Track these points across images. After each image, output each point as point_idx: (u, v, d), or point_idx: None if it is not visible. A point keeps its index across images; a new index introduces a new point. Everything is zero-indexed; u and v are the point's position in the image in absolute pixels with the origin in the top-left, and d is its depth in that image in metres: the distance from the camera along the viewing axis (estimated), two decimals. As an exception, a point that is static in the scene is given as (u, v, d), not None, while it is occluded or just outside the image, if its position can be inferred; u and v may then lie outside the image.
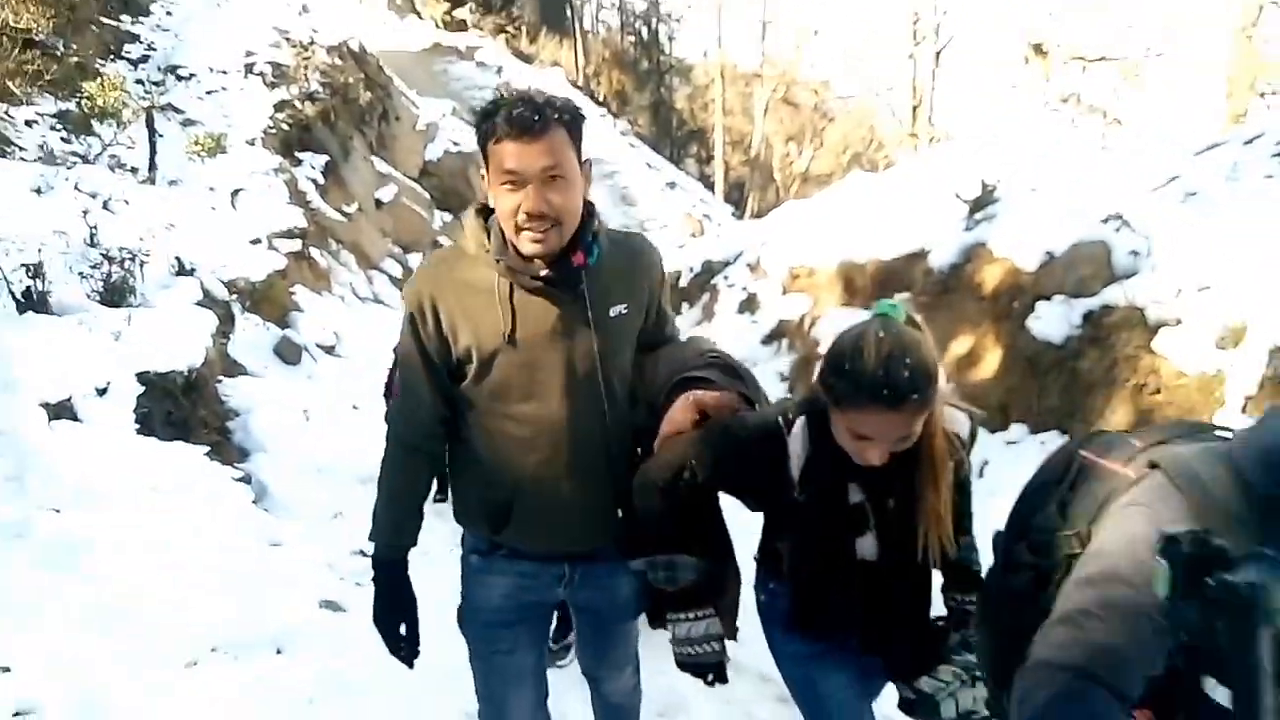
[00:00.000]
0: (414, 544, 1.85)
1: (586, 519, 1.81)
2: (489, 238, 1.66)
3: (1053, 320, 4.27)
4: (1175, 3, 15.11)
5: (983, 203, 5.73)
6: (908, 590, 1.78)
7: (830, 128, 24.14)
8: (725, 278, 8.58)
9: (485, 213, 1.69)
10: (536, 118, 1.55)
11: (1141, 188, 5.17)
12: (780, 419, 1.72)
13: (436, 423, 1.77)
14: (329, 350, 7.60)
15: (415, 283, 1.76)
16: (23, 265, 3.49)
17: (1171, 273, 3.88)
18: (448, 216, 17.05)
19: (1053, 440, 4.20)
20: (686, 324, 8.82)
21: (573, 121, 1.61)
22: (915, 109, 14.50)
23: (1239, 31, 12.97)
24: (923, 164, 8.18)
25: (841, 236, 7.26)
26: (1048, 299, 4.37)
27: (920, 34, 14.15)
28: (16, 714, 1.91)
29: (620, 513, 1.82)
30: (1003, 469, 4.30)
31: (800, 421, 1.69)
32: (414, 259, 14.24)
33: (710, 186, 24.73)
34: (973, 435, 1.78)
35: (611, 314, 1.74)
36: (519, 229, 1.59)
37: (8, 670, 2.01)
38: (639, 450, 1.84)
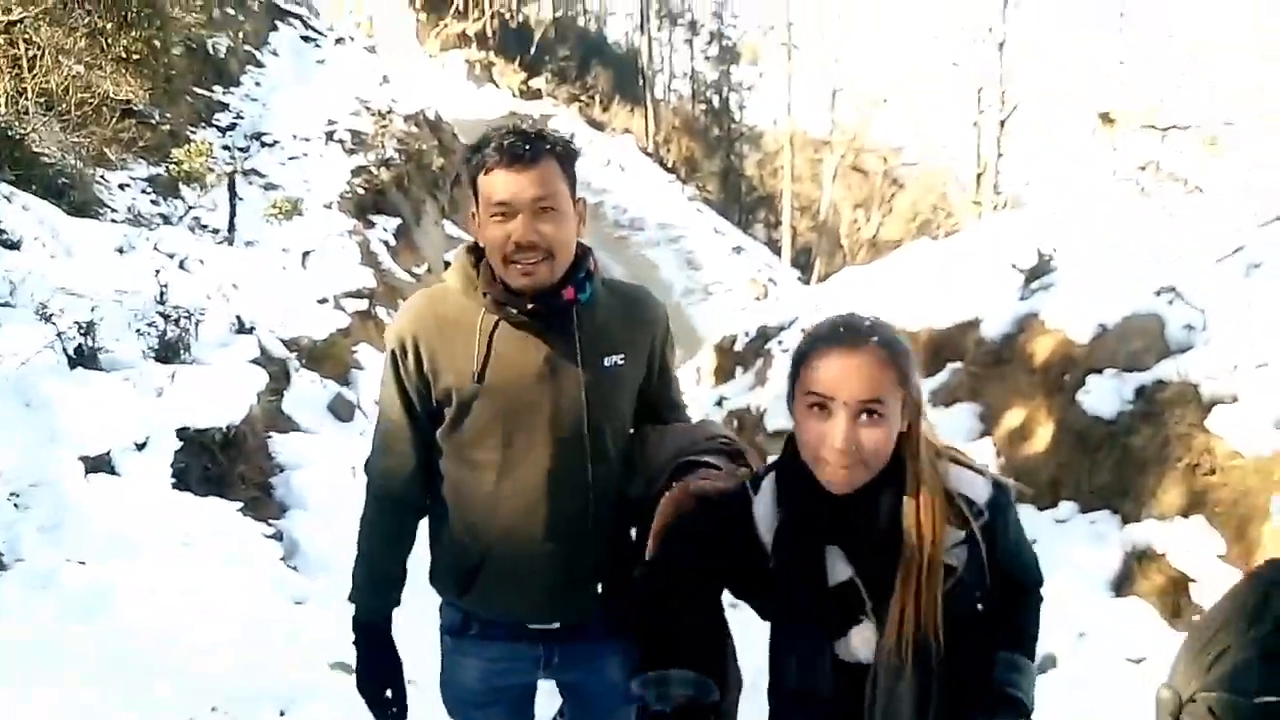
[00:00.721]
0: (397, 604, 1.75)
1: (564, 590, 1.65)
2: (478, 274, 1.58)
3: (1104, 394, 4.12)
4: (1251, 73, 14.75)
5: (1039, 272, 5.60)
6: (924, 708, 1.33)
7: (899, 195, 24.04)
8: (780, 342, 8.52)
9: (477, 252, 1.62)
10: (527, 147, 1.50)
11: (1204, 259, 5.00)
12: (747, 479, 1.49)
13: (418, 471, 1.65)
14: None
15: (398, 319, 1.65)
16: (75, 323, 3.66)
17: (1228, 348, 3.71)
18: (515, 278, 17.40)
19: (1103, 520, 4.02)
20: (739, 389, 8.76)
21: (565, 154, 1.57)
22: (979, 177, 14.34)
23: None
24: (983, 232, 8.06)
25: (897, 303, 7.15)
26: (1099, 372, 4.22)
27: (985, 101, 14.08)
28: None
29: (602, 587, 1.67)
30: (1052, 547, 4.12)
31: (769, 478, 1.44)
32: (480, 319, 14.51)
33: (778, 252, 24.76)
34: (998, 505, 1.41)
35: (605, 362, 1.63)
36: (508, 260, 1.52)
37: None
38: (631, 528, 1.69)
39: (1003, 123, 13.75)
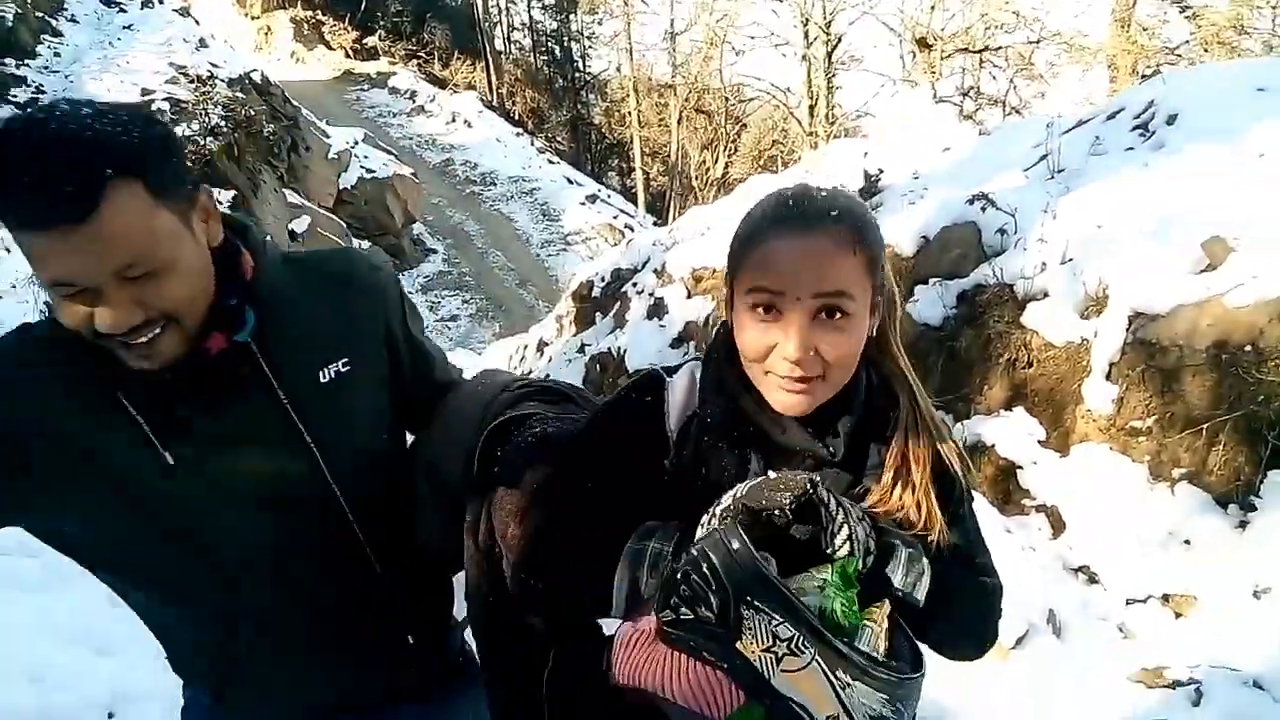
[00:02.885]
0: None
1: (345, 666, 1.34)
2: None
3: (930, 302, 4.33)
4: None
5: (867, 193, 5.81)
6: None
7: (744, 134, 24.42)
8: (634, 284, 8.57)
9: None
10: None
11: (1015, 169, 5.29)
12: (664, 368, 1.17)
13: None
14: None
15: None
16: None
17: (1037, 248, 3.95)
18: (365, 244, 16.85)
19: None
20: (599, 333, 8.78)
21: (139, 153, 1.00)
22: (811, 109, 14.76)
23: (1115, 18, 13.46)
24: (816, 162, 8.28)
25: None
26: (925, 282, 4.42)
27: (811, 35, 14.44)
28: None
29: (411, 641, 1.38)
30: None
31: (690, 367, 1.15)
32: (331, 290, 14.02)
33: (633, 199, 24.82)
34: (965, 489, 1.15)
35: (322, 378, 1.23)
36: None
37: None
38: (441, 555, 1.37)
39: (829, 54, 14.14)
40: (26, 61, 12.08)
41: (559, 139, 27.12)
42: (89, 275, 0.97)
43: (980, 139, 6.23)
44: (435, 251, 19.19)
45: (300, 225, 14.93)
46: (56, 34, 12.83)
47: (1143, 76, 14.48)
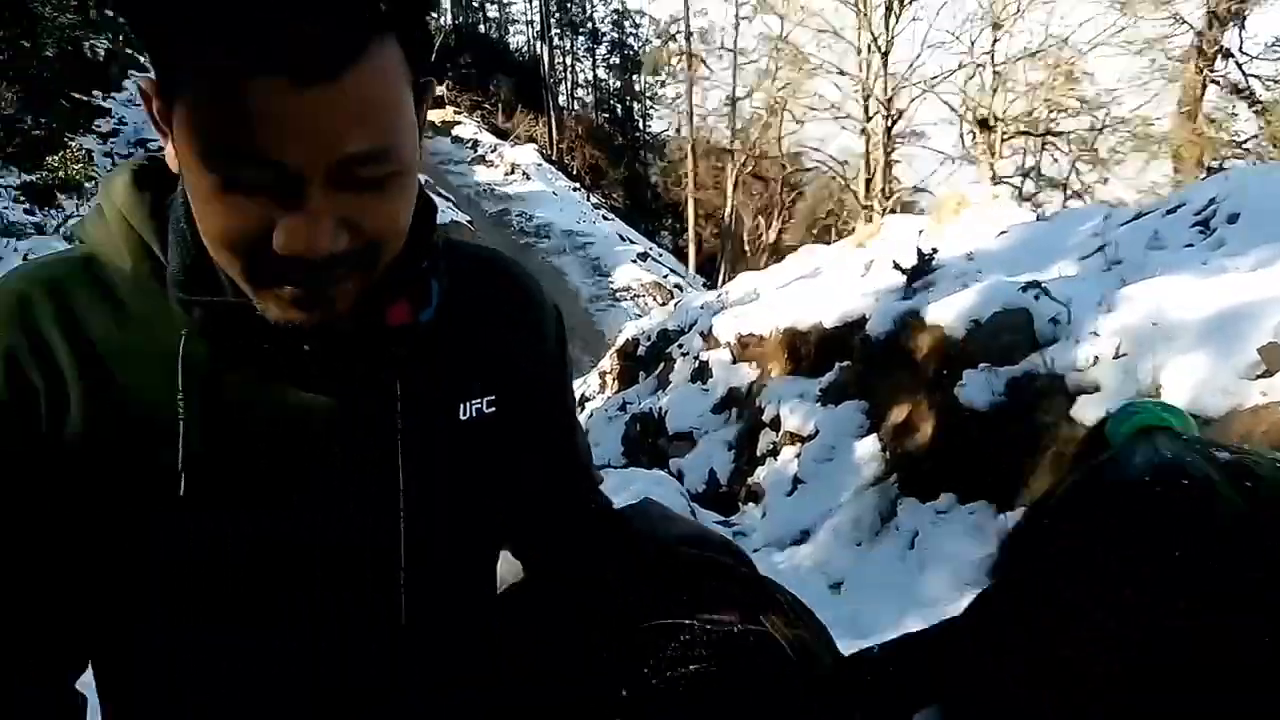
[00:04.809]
0: None
1: None
2: (166, 247, 0.75)
3: (978, 388, 4.27)
4: (1117, 78, 15.59)
5: (920, 272, 5.79)
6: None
7: (799, 201, 24.59)
8: (680, 346, 8.59)
9: (154, 185, 0.77)
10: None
11: (1071, 257, 5.24)
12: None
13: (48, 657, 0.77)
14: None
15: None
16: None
17: (1090, 340, 3.89)
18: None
19: (980, 510, 4.16)
20: (643, 393, 8.79)
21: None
22: (868, 182, 14.83)
23: (1182, 109, 13.41)
24: (871, 234, 8.30)
25: (790, 305, 7.30)
26: (973, 367, 4.37)
27: (872, 109, 14.57)
28: None
29: None
30: (934, 541, 4.24)
31: None
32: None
33: (684, 259, 25.03)
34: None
35: (461, 414, 0.84)
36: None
37: None
38: None
39: (889, 129, 14.24)
40: (113, 94, 12.63)
41: (615, 196, 27.54)
42: (308, 157, 0.62)
43: (1037, 224, 6.20)
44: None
45: (357, 265, 15.29)
46: (142, 69, 13.40)
47: (1208, 169, 14.36)
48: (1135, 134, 15.53)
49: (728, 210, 24.06)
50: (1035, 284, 4.25)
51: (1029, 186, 15.97)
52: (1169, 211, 4.84)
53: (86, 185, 10.31)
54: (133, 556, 0.74)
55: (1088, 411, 3.73)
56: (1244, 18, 13.97)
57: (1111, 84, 14.96)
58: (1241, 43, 13.99)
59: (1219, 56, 14.01)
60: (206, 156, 0.63)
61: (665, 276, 21.42)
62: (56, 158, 9.98)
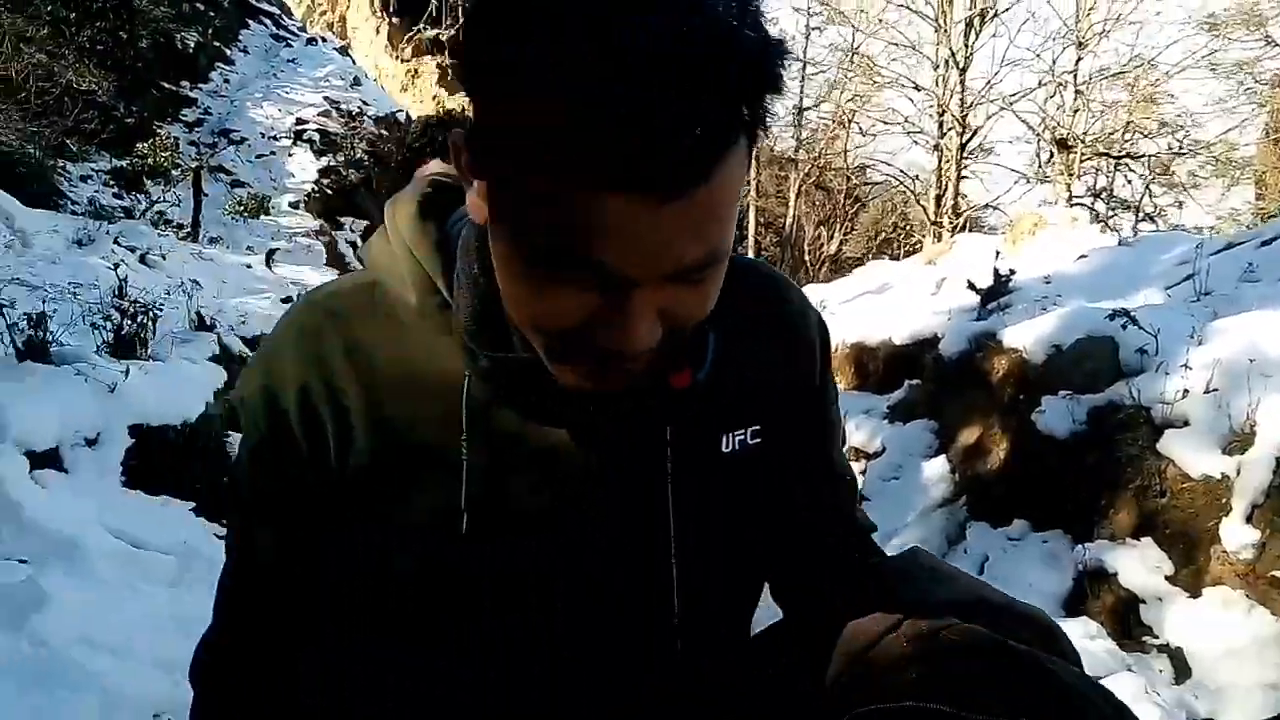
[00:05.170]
0: None
1: None
2: (450, 284, 0.77)
3: (1058, 415, 4.19)
4: (1203, 102, 15.15)
5: (995, 293, 5.70)
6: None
7: (862, 213, 24.33)
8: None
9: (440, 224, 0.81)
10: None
11: (1156, 285, 5.12)
12: None
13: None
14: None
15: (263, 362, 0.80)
16: (25, 314, 3.58)
17: (1179, 373, 3.80)
18: (481, 284, 17.38)
19: (1055, 539, 4.09)
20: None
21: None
22: (939, 198, 14.58)
23: (1270, 135, 12.98)
24: (942, 252, 8.19)
25: (858, 320, 7.25)
26: (1053, 393, 4.29)
27: (946, 125, 14.35)
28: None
29: None
30: (1005, 567, 4.18)
31: None
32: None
33: (743, 266, 24.89)
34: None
35: (724, 446, 0.82)
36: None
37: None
38: None
39: (963, 145, 14.00)
40: (200, 85, 12.99)
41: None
42: (647, 268, 0.60)
43: (1119, 249, 6.06)
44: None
45: (423, 260, 15.51)
46: (229, 62, 13.79)
47: (1293, 196, 13.89)
48: (1218, 159, 15.08)
49: (789, 219, 23.91)
50: (1124, 312, 4.16)
51: (1099, 208, 15.58)
52: (1265, 243, 4.71)
53: (173, 172, 10.62)
54: (392, 581, 0.77)
55: (1175, 446, 3.64)
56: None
57: (1195, 107, 14.55)
58: (1335, 68, 13.53)
59: (1311, 81, 13.57)
60: (532, 249, 0.61)
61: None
62: (146, 145, 10.30)
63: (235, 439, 4.98)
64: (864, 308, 7.39)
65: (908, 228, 25.10)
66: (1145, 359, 3.98)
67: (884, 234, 23.41)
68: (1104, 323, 4.26)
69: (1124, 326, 4.12)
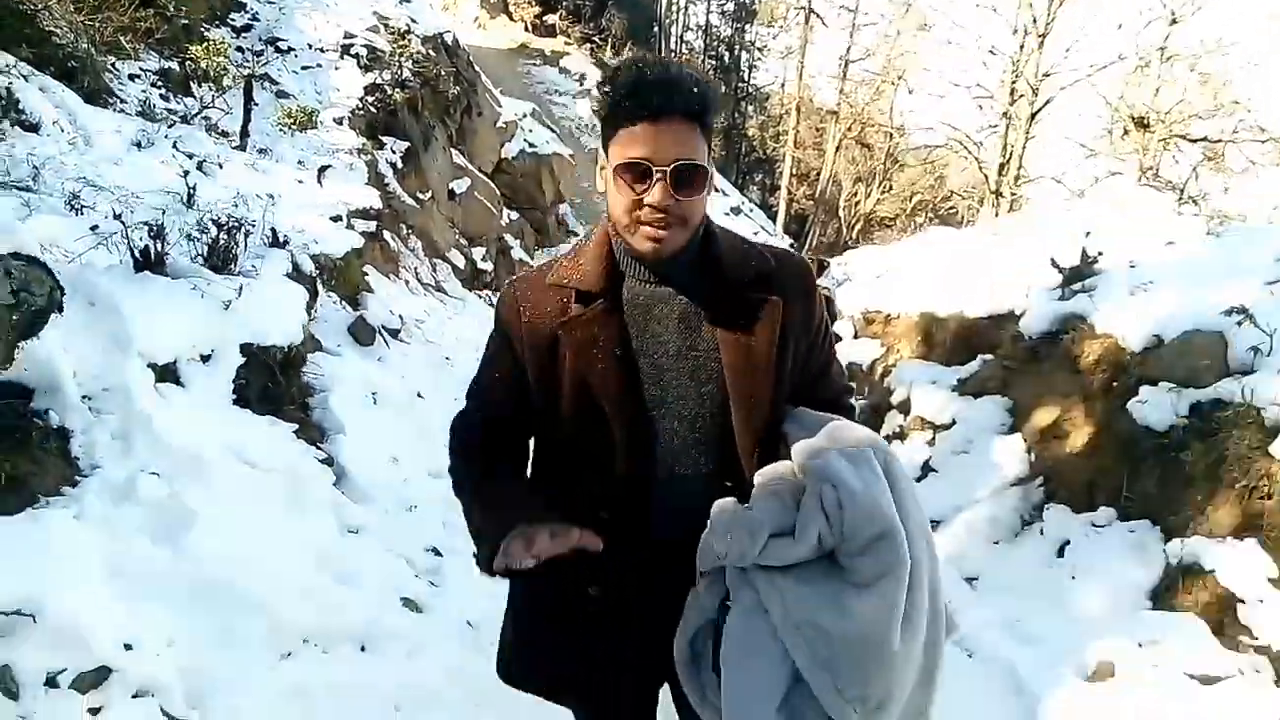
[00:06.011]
0: None
1: None
2: None
3: (1158, 406, 4.13)
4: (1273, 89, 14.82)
5: (1082, 274, 5.59)
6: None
7: (899, 173, 23.97)
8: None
9: None
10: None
11: (1255, 280, 5.02)
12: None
13: None
14: (394, 334, 7.63)
15: None
16: (143, 223, 3.50)
17: (1294, 375, 3.73)
18: (514, 215, 17.19)
19: (1143, 530, 4.06)
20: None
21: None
22: (1003, 167, 14.29)
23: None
24: (1013, 224, 8.04)
25: (922, 288, 7.14)
26: (1153, 383, 4.23)
27: (1019, 92, 13.97)
28: (136, 695, 1.88)
29: None
30: (1087, 553, 4.16)
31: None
32: (477, 251, 14.41)
33: (772, 216, 24.65)
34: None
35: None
36: None
37: (130, 648, 1.98)
38: None
39: (1034, 115, 13.68)
40: (249, -11, 12.67)
41: (712, 145, 27.10)
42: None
43: (1208, 238, 5.94)
44: (576, 234, 19.41)
45: (460, 186, 15.30)
46: (273, -31, 13.42)
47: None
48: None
49: (825, 173, 23.57)
50: (1241, 309, 4.07)
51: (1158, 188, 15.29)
52: (1375, 245, 4.59)
53: (224, 78, 10.41)
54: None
55: (1287, 449, 3.59)
56: None
57: (1261, 91, 14.19)
58: None
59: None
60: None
61: (755, 233, 21.14)
62: (200, 48, 10.08)
63: (313, 360, 4.94)
64: (929, 276, 7.28)
65: (943, 191, 24.77)
66: (1259, 358, 3.91)
67: (920, 195, 23.11)
68: (1215, 317, 4.18)
69: (1240, 323, 4.04)
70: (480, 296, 13.11)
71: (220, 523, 2.51)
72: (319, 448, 3.69)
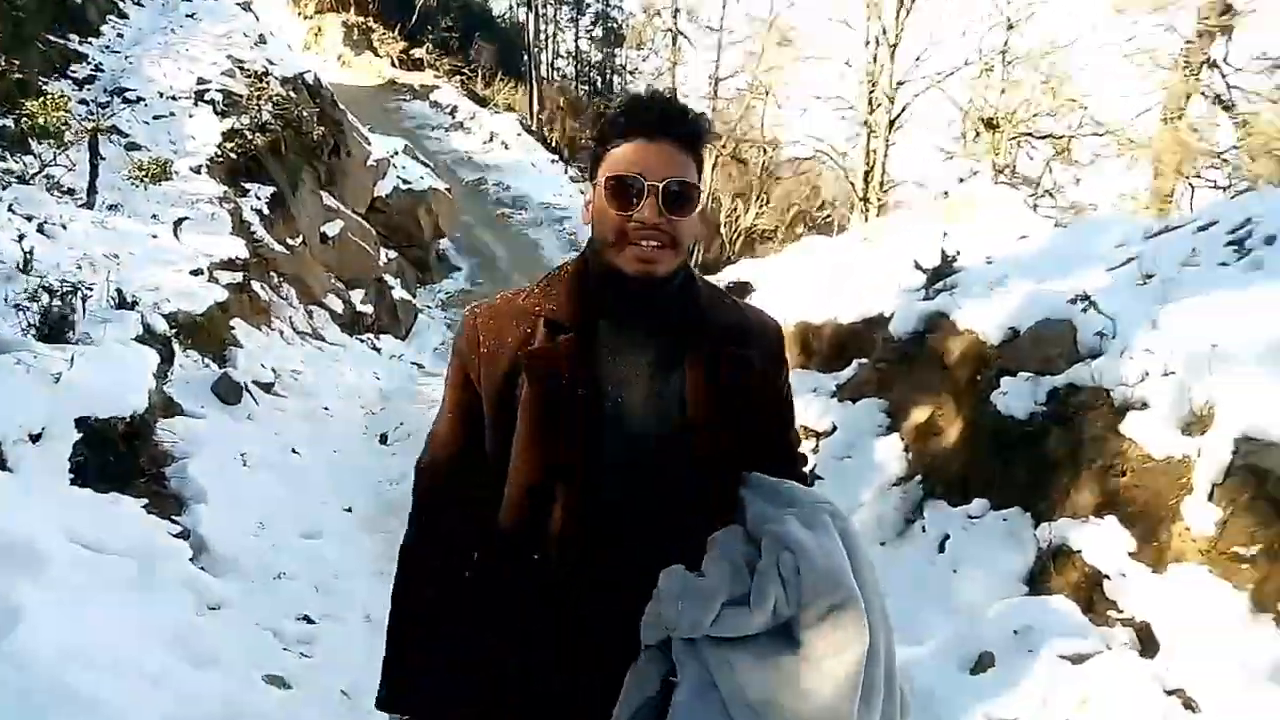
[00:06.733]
0: None
1: None
2: None
3: (1018, 396, 4.29)
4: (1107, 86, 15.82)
5: (942, 273, 5.80)
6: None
7: (775, 186, 24.56)
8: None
9: None
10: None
11: (1098, 268, 5.28)
12: None
13: None
14: (267, 389, 7.33)
15: None
16: (-45, 298, 3.25)
17: (1137, 356, 3.92)
18: (393, 254, 16.85)
19: (1015, 517, 4.19)
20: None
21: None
22: (868, 174, 14.84)
23: (1165, 117, 13.60)
24: (878, 230, 8.31)
25: (796, 298, 7.28)
26: (1012, 374, 4.39)
27: (876, 101, 14.55)
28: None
29: None
30: (965, 545, 4.28)
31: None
32: (356, 294, 14.05)
33: (658, 237, 24.83)
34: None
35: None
36: None
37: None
38: None
39: (892, 123, 14.26)
40: (90, 39, 12.12)
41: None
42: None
43: (1057, 230, 6.25)
44: (460, 269, 19.17)
45: (333, 229, 14.91)
46: (122, 15, 12.91)
47: (1186, 177, 14.62)
48: (1117, 140, 15.73)
49: (705, 191, 23.92)
50: (1084, 296, 4.27)
51: (1011, 183, 16.09)
52: (1201, 228, 4.88)
53: (65, 133, 9.88)
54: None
55: (1136, 427, 3.76)
56: (1230, 30, 14.19)
57: (1098, 88, 15.14)
58: (1227, 54, 14.22)
59: (1205, 67, 14.23)
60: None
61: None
62: (36, 103, 9.54)
63: (167, 424, 4.68)
64: (805, 286, 7.44)
65: (818, 201, 25.49)
66: (1104, 342, 4.10)
67: (797, 206, 23.72)
68: (1062, 306, 4.37)
69: (1084, 310, 4.23)
70: (362, 340, 12.76)
71: (53, 618, 2.32)
72: (174, 520, 3.48)
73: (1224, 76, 13.96)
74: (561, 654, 1.42)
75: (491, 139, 23.27)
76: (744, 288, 8.09)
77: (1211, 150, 14.20)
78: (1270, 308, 3.80)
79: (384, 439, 7.57)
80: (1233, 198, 7.25)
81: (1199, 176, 14.99)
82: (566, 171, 23.87)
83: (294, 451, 5.95)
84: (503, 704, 1.46)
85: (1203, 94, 13.86)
